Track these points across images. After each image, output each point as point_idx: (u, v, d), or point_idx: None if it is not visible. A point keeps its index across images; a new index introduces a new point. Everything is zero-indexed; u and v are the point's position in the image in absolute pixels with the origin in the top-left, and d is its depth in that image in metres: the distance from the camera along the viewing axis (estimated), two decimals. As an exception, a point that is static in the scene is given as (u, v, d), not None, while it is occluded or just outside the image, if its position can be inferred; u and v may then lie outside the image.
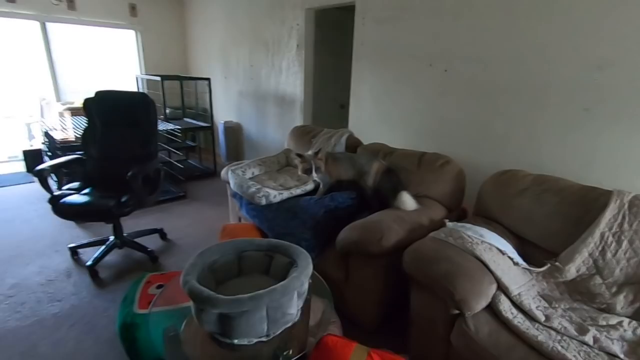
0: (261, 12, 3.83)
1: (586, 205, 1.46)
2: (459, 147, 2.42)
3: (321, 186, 2.15)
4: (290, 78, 3.64)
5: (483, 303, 1.28)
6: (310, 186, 2.16)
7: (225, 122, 4.61)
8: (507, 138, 2.18)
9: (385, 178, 1.99)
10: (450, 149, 2.44)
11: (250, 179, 2.34)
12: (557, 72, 1.91)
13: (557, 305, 1.35)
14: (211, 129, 4.00)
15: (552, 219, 1.51)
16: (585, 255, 1.40)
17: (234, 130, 4.70)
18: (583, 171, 1.89)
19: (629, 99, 1.71)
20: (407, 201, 1.83)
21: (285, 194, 2.07)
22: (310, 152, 2.05)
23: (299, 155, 2.06)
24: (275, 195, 2.03)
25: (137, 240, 2.53)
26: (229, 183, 2.48)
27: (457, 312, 1.31)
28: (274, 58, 3.80)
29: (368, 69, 2.89)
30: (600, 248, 1.39)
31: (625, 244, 1.35)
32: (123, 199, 2.17)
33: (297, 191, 2.12)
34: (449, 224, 1.67)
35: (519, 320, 1.25)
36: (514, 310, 1.30)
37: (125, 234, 2.48)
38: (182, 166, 3.56)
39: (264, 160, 2.51)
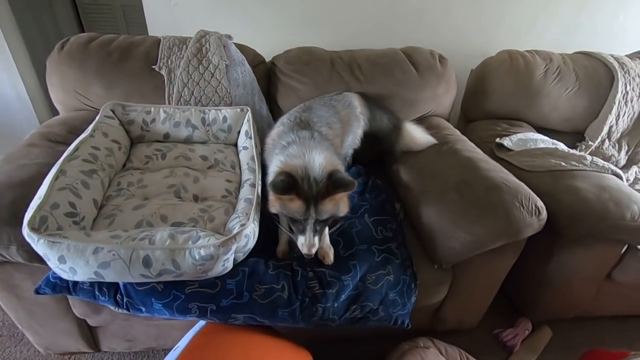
0: None
1: (592, 74, 1.36)
2: (362, 35, 1.74)
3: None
4: None
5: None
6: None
7: None
8: (421, 13, 1.72)
9: (373, 110, 1.15)
10: (352, 40, 1.73)
11: (113, 237, 0.74)
12: None
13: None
14: None
15: (576, 99, 1.35)
16: (608, 125, 1.38)
17: None
18: (492, 35, 1.79)
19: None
20: (418, 135, 1.14)
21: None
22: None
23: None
24: (253, 230, 0.78)
25: None
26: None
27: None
28: None
29: None
30: (616, 114, 1.38)
31: (629, 105, 1.39)
32: None
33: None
34: (506, 142, 1.23)
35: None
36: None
37: None
38: None
39: (89, 156, 0.81)
